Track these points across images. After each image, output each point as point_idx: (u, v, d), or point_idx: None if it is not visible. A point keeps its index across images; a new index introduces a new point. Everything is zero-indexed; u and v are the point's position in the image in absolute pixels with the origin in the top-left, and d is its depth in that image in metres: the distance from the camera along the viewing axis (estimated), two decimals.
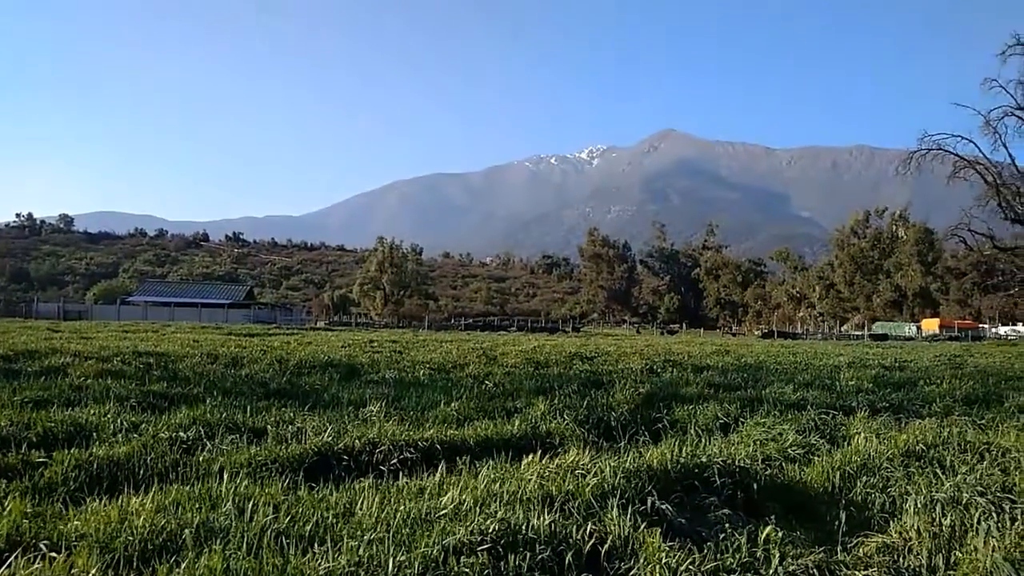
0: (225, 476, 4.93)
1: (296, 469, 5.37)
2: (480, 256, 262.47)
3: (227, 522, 3.94)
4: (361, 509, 4.22)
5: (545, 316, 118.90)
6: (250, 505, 4.18)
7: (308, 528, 3.87)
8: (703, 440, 6.67)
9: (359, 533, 3.73)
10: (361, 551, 3.46)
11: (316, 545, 3.63)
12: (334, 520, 4.03)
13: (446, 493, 4.39)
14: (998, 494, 4.58)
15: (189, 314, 71.89)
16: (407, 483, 4.88)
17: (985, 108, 46.63)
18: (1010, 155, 47.78)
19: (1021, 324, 77.34)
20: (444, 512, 4.01)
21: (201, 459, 5.59)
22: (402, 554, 3.42)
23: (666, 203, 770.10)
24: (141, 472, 5.34)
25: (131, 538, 3.71)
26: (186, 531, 3.78)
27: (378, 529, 3.77)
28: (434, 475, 5.05)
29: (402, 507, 4.13)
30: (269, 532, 3.77)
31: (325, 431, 6.35)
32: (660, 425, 7.88)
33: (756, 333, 75.91)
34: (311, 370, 12.81)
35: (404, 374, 12.65)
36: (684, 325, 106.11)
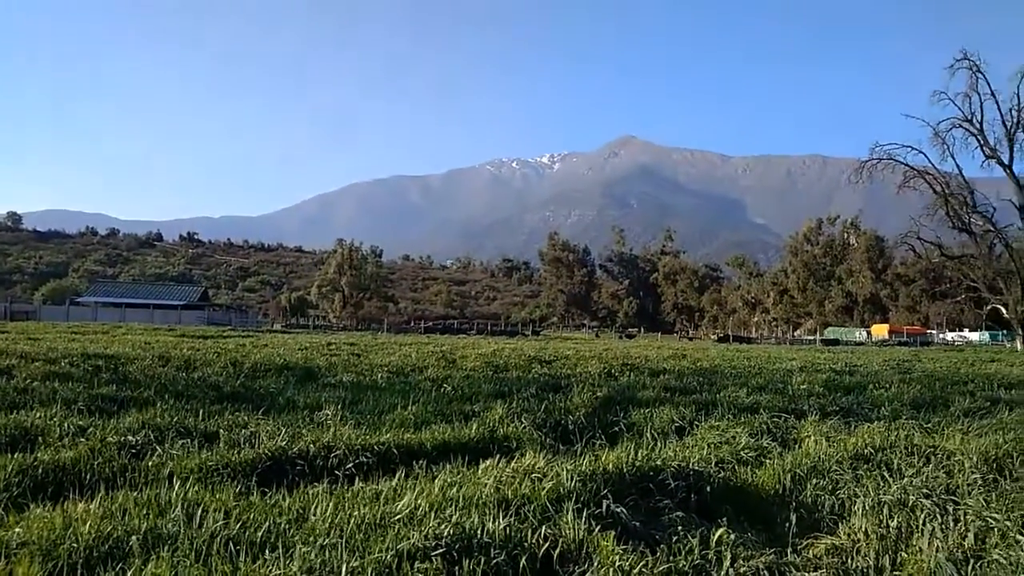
0: (175, 482, 4.83)
1: (249, 474, 5.29)
2: (440, 259, 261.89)
3: (175, 528, 3.85)
4: (315, 514, 4.16)
5: (505, 319, 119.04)
6: (200, 511, 4.10)
7: (260, 534, 3.81)
8: (658, 443, 6.73)
9: (312, 539, 3.69)
10: (313, 557, 3.42)
11: (267, 551, 3.58)
12: (287, 526, 3.97)
13: (402, 498, 4.35)
14: (942, 496, 4.69)
15: (141, 315, 70.26)
16: (362, 488, 4.83)
17: (934, 120, 48.19)
18: (958, 166, 49.44)
19: (968, 330, 79.66)
20: (399, 517, 3.97)
21: (150, 464, 5.47)
22: (355, 560, 3.38)
23: (626, 208, 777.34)
24: (88, 477, 5.22)
25: (75, 545, 3.61)
26: (133, 538, 3.70)
27: (331, 535, 3.72)
28: (390, 480, 5.01)
29: (356, 512, 4.09)
30: (219, 539, 3.71)
31: (279, 435, 6.26)
32: (617, 428, 7.94)
33: (712, 337, 76.96)
34: (266, 373, 12.63)
35: (362, 377, 12.54)
36: (642, 329, 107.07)
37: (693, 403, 9.56)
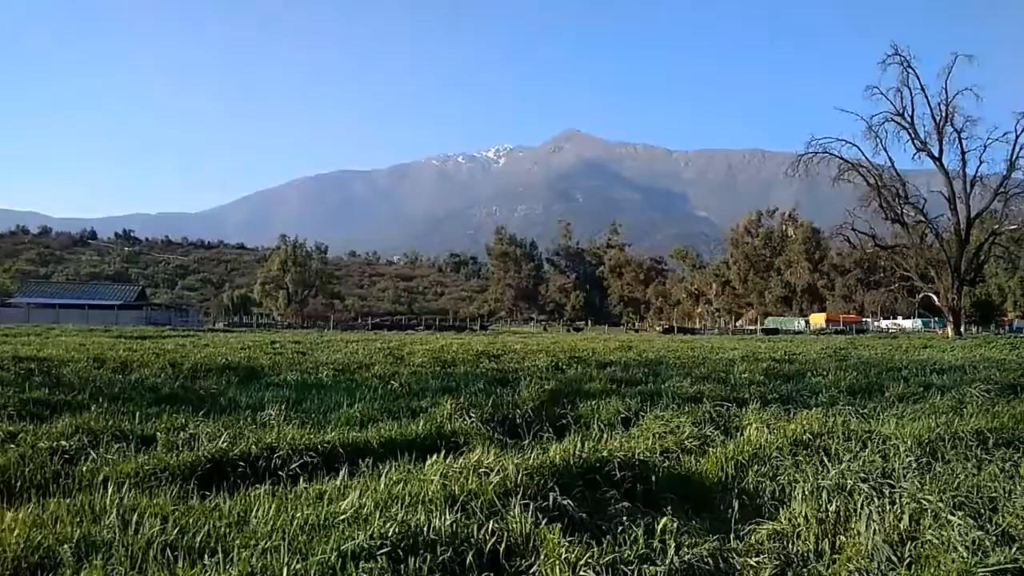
0: (110, 487, 4.67)
1: (188, 477, 5.15)
2: (387, 255, 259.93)
3: (110, 535, 3.73)
4: (256, 517, 4.07)
5: (453, 315, 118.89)
6: (136, 517, 3.97)
7: (199, 539, 3.70)
8: (605, 435, 6.78)
9: (253, 542, 3.60)
10: (254, 560, 3.34)
11: (207, 556, 3.48)
12: (227, 530, 3.87)
13: (346, 497, 4.28)
14: (879, 480, 4.82)
15: (76, 316, 67.90)
16: (306, 488, 4.75)
17: (868, 114, 49.74)
18: (890, 158, 51.19)
19: (901, 318, 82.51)
20: (344, 517, 3.91)
21: (84, 469, 5.30)
22: (297, 562, 3.32)
23: (571, 202, 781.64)
24: (18, 485, 5.04)
25: (2, 556, 3.47)
26: (65, 546, 3.57)
27: (273, 537, 3.65)
28: (335, 479, 4.94)
29: (300, 513, 4.01)
30: (156, 544, 3.60)
31: (220, 437, 6.10)
32: (564, 421, 7.99)
33: (657, 329, 78.13)
34: (207, 374, 12.32)
35: (307, 376, 12.35)
36: (589, 322, 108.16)
37: (639, 394, 9.67)
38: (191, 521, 3.99)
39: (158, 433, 6.57)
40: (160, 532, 3.76)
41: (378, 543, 3.49)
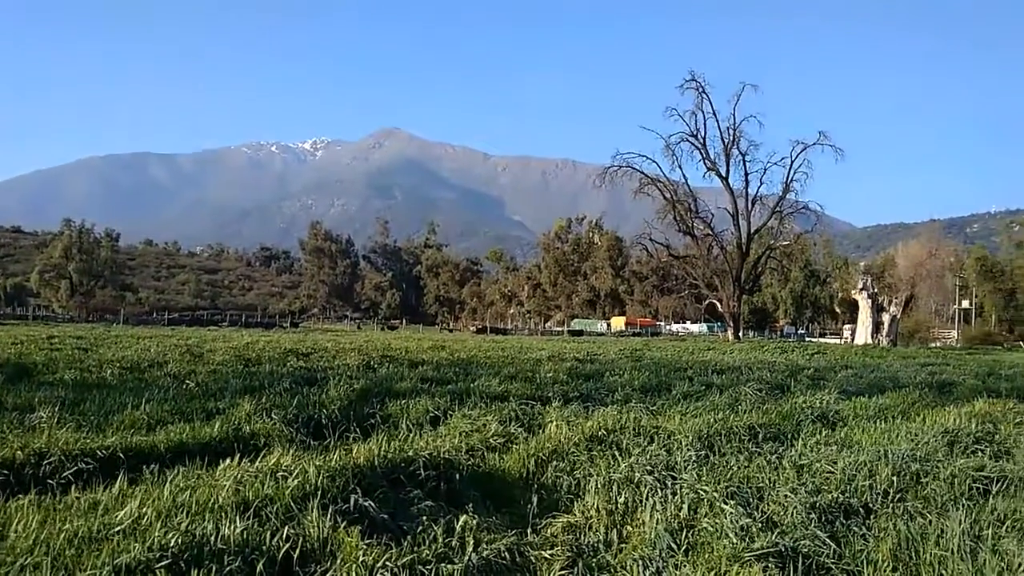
0: None
1: None
2: (189, 245, 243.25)
3: None
4: (16, 531, 3.64)
5: (262, 311, 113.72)
6: None
7: None
8: (413, 434, 6.77)
9: (11, 559, 3.23)
10: None
11: None
12: None
13: (124, 506, 3.94)
14: (663, 472, 5.21)
15: None
16: (78, 498, 4.32)
17: (667, 133, 53.51)
18: (684, 176, 55.35)
19: (690, 322, 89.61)
20: (120, 528, 3.60)
21: None
22: None
23: (390, 200, 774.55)
24: None
25: None
26: None
27: (36, 552, 3.29)
28: (112, 487, 4.53)
29: (69, 525, 3.64)
30: None
31: None
32: (373, 421, 7.87)
33: (471, 329, 79.25)
34: None
35: (88, 375, 11.22)
36: (405, 321, 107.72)
37: (449, 393, 9.69)
38: None
39: None
40: None
41: (158, 555, 3.26)
